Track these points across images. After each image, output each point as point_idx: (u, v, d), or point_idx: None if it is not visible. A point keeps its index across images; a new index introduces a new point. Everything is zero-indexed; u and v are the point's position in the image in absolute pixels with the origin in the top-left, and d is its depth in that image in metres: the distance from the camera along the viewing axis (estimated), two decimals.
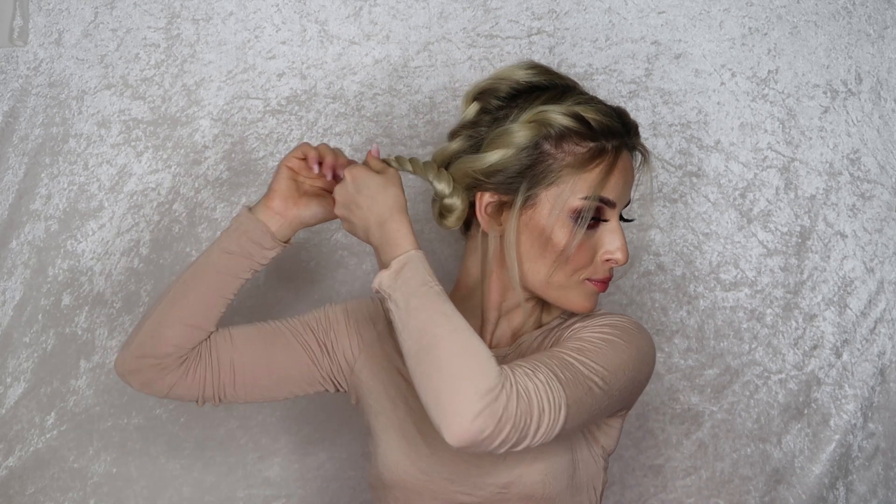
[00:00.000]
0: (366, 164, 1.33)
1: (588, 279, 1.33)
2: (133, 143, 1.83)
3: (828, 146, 1.82)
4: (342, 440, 1.86)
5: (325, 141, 1.83)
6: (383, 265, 1.25)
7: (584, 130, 1.30)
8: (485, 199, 1.33)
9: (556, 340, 1.35)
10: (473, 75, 1.80)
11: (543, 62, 1.79)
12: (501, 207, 1.33)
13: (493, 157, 1.31)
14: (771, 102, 1.82)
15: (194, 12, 1.82)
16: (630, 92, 1.81)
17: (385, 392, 1.41)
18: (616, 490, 1.86)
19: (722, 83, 1.82)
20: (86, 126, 1.83)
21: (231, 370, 1.41)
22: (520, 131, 1.30)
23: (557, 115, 1.30)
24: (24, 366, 1.83)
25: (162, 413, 1.85)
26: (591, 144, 1.30)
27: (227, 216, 1.83)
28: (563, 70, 1.80)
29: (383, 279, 1.22)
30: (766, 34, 1.81)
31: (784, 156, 1.82)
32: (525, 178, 1.30)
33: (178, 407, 1.85)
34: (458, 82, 1.81)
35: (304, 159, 1.38)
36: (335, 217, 1.36)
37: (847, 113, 1.82)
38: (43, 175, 1.83)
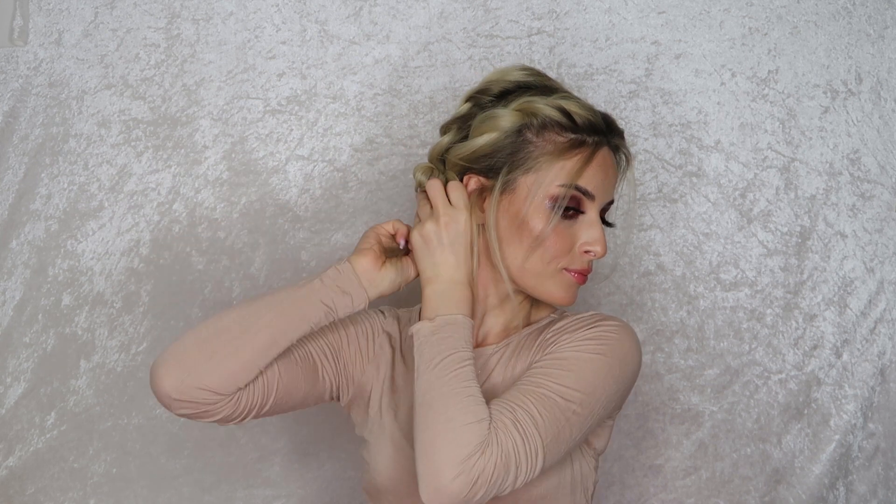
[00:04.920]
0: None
1: (566, 269, 1.35)
2: (133, 143, 1.83)
3: (828, 146, 1.82)
4: (342, 440, 1.86)
5: (325, 141, 1.83)
6: (429, 313, 1.31)
7: (567, 122, 1.33)
8: (470, 184, 1.36)
9: (542, 346, 1.36)
10: (473, 75, 1.80)
11: (543, 62, 1.80)
12: (483, 192, 1.36)
13: (479, 141, 1.35)
14: (771, 102, 1.82)
15: (194, 12, 1.82)
16: (630, 92, 1.81)
17: (378, 401, 1.43)
18: (616, 490, 1.86)
19: (722, 83, 1.82)
20: (86, 126, 1.83)
21: (274, 398, 1.36)
22: (505, 116, 1.34)
23: (542, 106, 1.34)
24: (24, 366, 1.83)
25: (162, 413, 1.85)
26: (572, 136, 1.34)
27: (227, 216, 1.83)
28: (562, 70, 1.80)
29: (423, 329, 1.29)
30: (766, 34, 1.81)
31: (784, 156, 1.82)
32: (506, 163, 1.34)
33: None
34: (458, 82, 1.81)
35: (394, 235, 1.40)
36: (404, 285, 1.39)
37: (847, 113, 1.82)
38: (43, 175, 1.83)
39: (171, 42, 1.82)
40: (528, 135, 1.33)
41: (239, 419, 1.35)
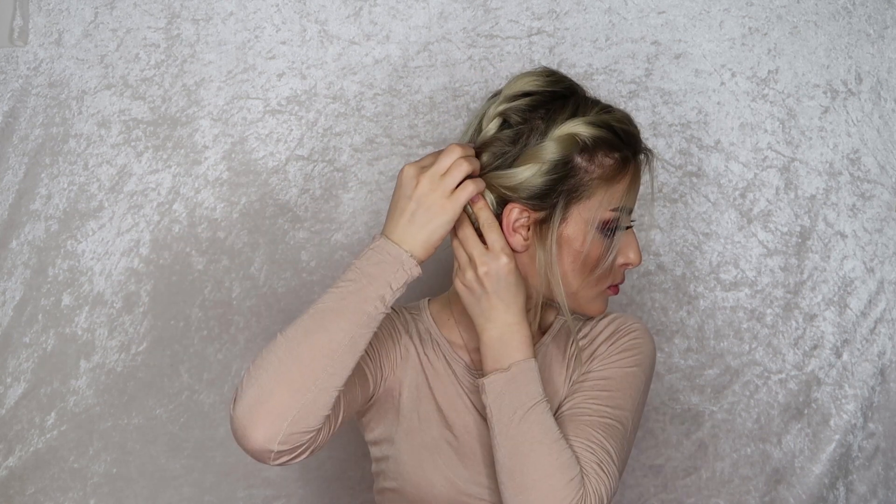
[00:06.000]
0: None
1: (608, 286, 1.35)
2: (133, 143, 1.83)
3: (828, 146, 1.82)
4: (342, 440, 1.86)
5: (325, 141, 1.83)
6: (494, 363, 1.28)
7: (614, 139, 1.30)
8: (513, 215, 1.30)
9: (577, 360, 1.37)
10: (473, 75, 1.80)
11: (543, 62, 1.80)
12: (528, 222, 1.31)
13: (524, 173, 1.29)
14: (771, 102, 1.82)
15: (194, 12, 1.82)
16: (630, 92, 1.81)
17: (416, 410, 1.39)
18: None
19: (722, 83, 1.82)
20: (86, 126, 1.83)
21: (342, 414, 1.31)
22: (551, 147, 1.29)
23: (588, 128, 1.29)
24: (24, 366, 1.83)
25: (162, 413, 1.85)
26: (617, 155, 1.30)
27: (227, 216, 1.83)
28: (562, 70, 1.80)
29: (497, 381, 1.27)
30: (766, 34, 1.81)
31: (784, 156, 1.82)
32: (558, 193, 1.29)
33: (178, 407, 1.85)
34: (458, 82, 1.81)
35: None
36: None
37: (847, 113, 1.82)
38: (43, 175, 1.83)
39: (171, 42, 1.82)
40: (578, 160, 1.29)
41: (319, 448, 1.29)
